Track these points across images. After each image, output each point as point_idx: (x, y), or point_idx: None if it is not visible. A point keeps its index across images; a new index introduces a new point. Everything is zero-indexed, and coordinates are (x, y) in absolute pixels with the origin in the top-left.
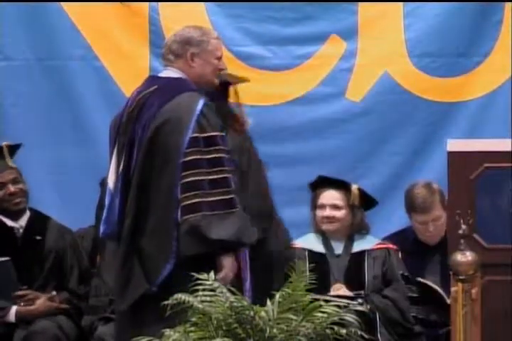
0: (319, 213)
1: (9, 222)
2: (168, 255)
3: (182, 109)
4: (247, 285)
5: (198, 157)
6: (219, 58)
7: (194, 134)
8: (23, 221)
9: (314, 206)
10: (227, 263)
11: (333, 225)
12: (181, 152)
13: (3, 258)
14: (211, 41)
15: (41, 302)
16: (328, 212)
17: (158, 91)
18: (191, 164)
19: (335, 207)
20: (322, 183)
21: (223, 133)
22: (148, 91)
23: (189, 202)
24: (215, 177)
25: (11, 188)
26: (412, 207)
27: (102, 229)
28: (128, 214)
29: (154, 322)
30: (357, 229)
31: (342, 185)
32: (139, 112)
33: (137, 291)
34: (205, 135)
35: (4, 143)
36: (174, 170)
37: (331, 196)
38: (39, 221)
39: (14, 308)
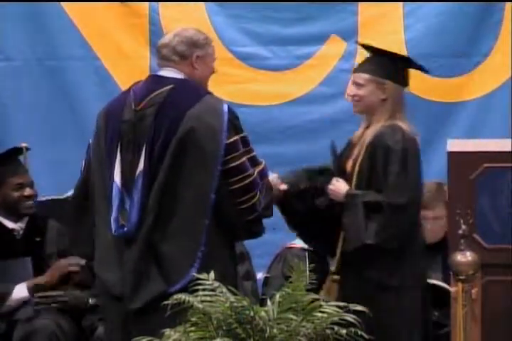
0: None
1: (9, 224)
2: (193, 259)
3: (211, 114)
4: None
5: (243, 160)
6: (214, 61)
7: (231, 139)
8: (22, 222)
9: None
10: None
11: None
12: (218, 158)
13: (24, 258)
14: (211, 45)
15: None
16: None
17: (176, 91)
18: (239, 169)
19: None
20: None
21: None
22: (163, 90)
23: (246, 205)
24: (257, 175)
25: (29, 191)
26: None
27: (113, 227)
28: (149, 214)
29: (166, 321)
30: None
31: None
32: (158, 112)
33: (153, 291)
34: (240, 136)
35: (24, 145)
36: (209, 175)
37: None
38: (38, 222)
39: (23, 285)
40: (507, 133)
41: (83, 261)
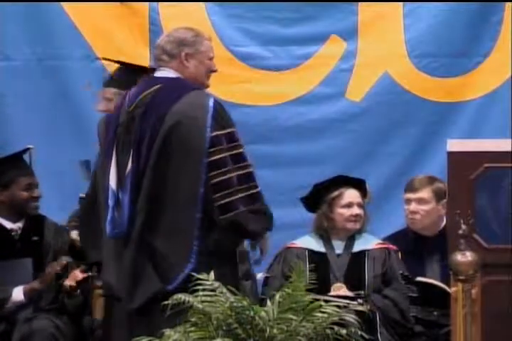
0: (347, 212)
1: (8, 224)
2: (189, 255)
3: (195, 108)
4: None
5: (223, 155)
6: (211, 59)
7: (215, 133)
8: (21, 222)
9: (331, 204)
10: (266, 245)
11: (359, 223)
12: (203, 151)
13: (25, 259)
14: (204, 42)
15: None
16: (357, 210)
17: (162, 90)
18: (218, 163)
19: (360, 205)
20: (339, 182)
21: (236, 129)
22: (150, 90)
23: (224, 201)
24: (241, 172)
25: (37, 192)
26: (405, 189)
27: (108, 229)
28: (139, 213)
29: (168, 321)
30: (363, 227)
31: (358, 184)
32: (145, 112)
33: (149, 290)
34: (225, 132)
35: (30, 146)
36: (197, 169)
37: (355, 195)
38: (36, 221)
39: (20, 289)
40: (507, 133)
41: (69, 259)
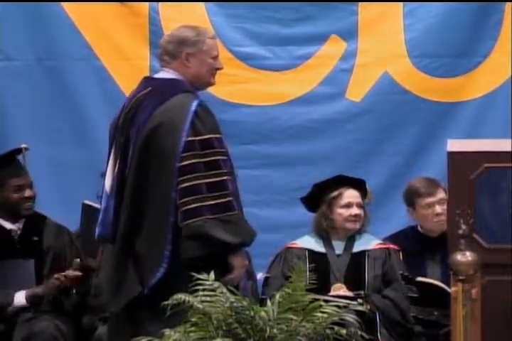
0: (346, 212)
1: (7, 225)
2: (161, 258)
3: (176, 111)
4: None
5: (195, 161)
6: (215, 58)
7: (190, 138)
8: (20, 223)
9: (330, 204)
10: (238, 263)
11: (359, 223)
12: (178, 155)
13: (27, 260)
14: (206, 41)
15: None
16: (357, 210)
17: (152, 93)
18: (188, 169)
19: (360, 205)
20: (339, 182)
21: (219, 135)
22: (142, 93)
23: (189, 206)
24: (212, 180)
25: (29, 192)
26: (416, 193)
27: (98, 230)
28: (122, 216)
29: (148, 322)
30: (363, 227)
31: (358, 184)
32: (134, 114)
33: (130, 293)
34: (201, 138)
35: (23, 146)
36: (171, 173)
37: (355, 195)
38: (36, 221)
39: (22, 293)
40: (507, 133)
41: (79, 273)
